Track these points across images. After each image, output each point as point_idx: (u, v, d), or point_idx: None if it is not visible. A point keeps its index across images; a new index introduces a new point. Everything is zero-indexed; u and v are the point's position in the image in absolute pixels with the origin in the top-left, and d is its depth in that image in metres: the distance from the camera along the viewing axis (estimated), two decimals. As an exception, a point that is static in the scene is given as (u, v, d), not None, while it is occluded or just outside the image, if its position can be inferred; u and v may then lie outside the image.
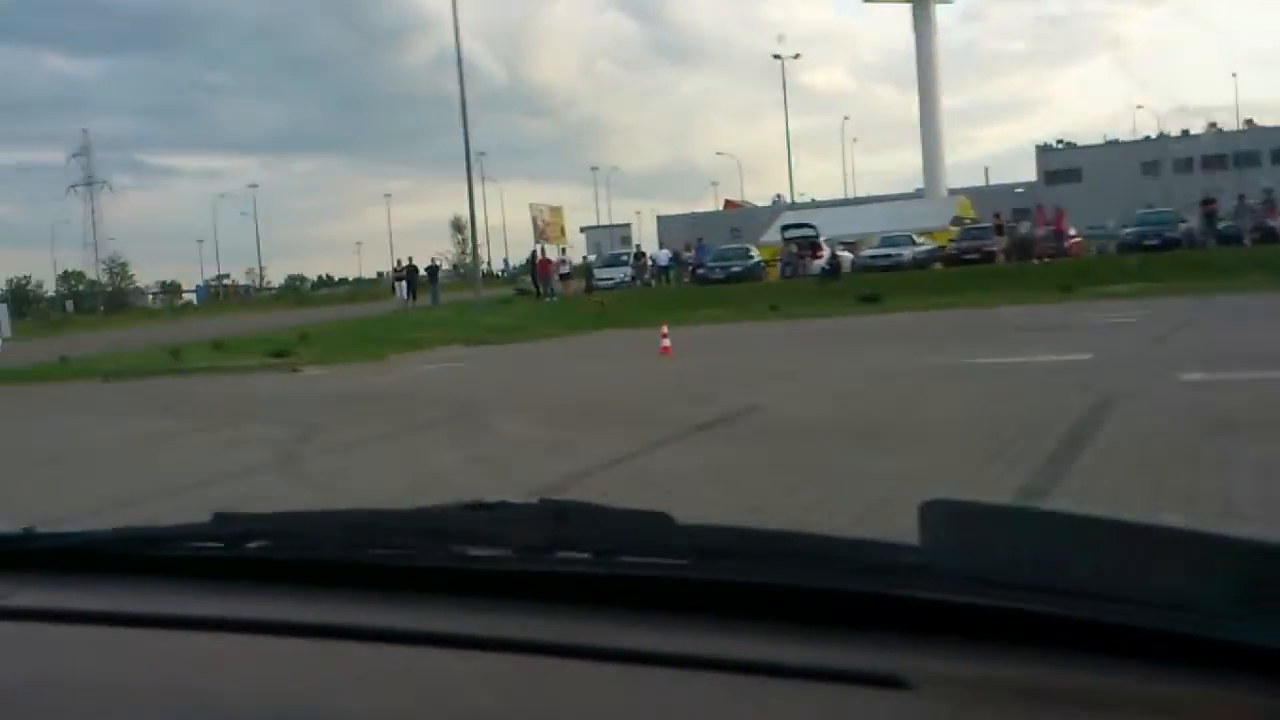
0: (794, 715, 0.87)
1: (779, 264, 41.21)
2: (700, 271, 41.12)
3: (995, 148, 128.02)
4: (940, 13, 60.32)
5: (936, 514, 1.00)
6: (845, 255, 40.21)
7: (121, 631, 1.11)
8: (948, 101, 62.23)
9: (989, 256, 37.00)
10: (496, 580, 1.12)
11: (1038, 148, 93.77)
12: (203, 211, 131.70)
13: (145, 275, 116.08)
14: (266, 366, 23.20)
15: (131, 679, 1.00)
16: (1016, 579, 0.94)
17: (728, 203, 74.91)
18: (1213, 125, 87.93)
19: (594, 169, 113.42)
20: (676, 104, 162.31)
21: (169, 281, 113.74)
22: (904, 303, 26.82)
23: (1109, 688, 0.87)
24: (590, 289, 39.46)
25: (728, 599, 1.03)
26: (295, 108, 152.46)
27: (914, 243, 40.86)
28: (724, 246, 45.24)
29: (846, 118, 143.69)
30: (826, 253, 40.00)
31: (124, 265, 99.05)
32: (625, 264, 46.18)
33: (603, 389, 15.61)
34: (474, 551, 1.16)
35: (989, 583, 0.94)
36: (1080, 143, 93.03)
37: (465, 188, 37.98)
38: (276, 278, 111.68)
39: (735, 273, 40.02)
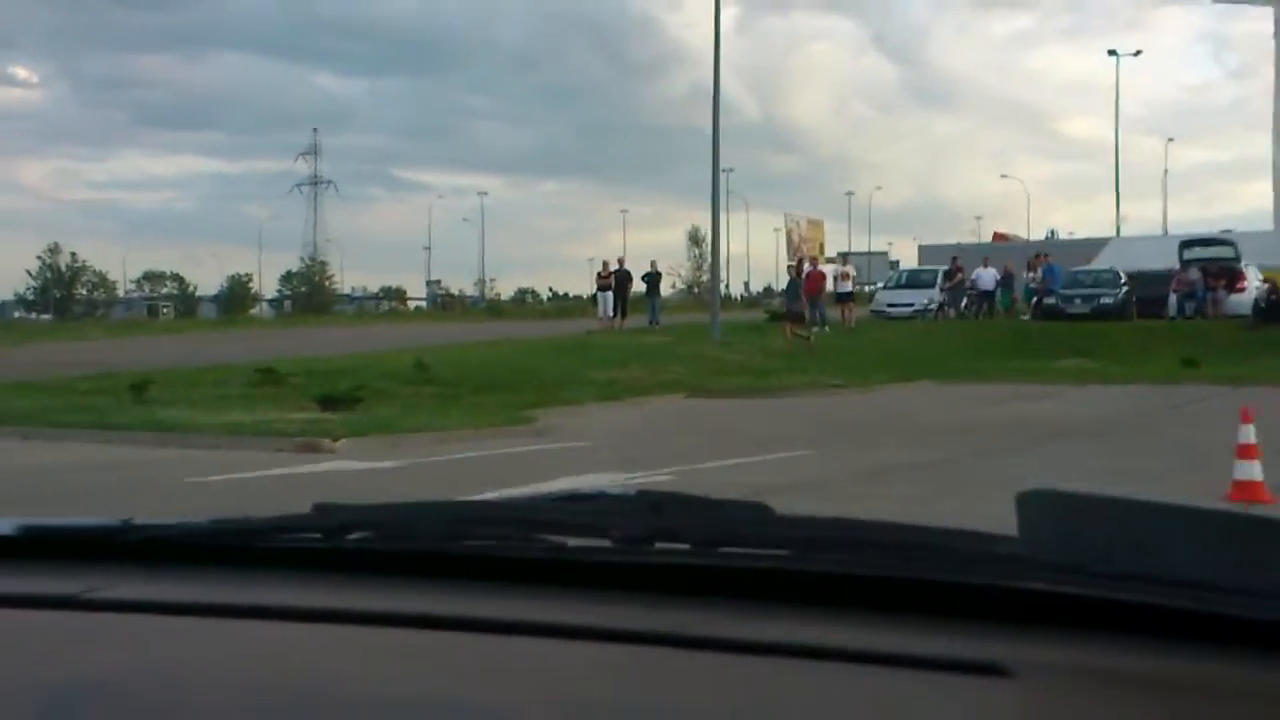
0: (897, 702, 0.86)
1: (1172, 296, 28.31)
2: (1050, 302, 28.94)
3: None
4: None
5: (1033, 505, 1.00)
6: None
7: (218, 622, 1.09)
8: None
9: None
10: (595, 571, 1.11)
11: None
12: (443, 225, 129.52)
13: (376, 281, 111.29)
14: (274, 433, 11.14)
15: (228, 670, 0.98)
16: (1114, 568, 0.94)
17: (996, 234, 62.71)
18: None
19: (849, 193, 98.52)
20: (928, 145, 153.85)
21: (394, 287, 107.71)
22: None
23: (1208, 676, 0.87)
24: (795, 318, 24.96)
25: (827, 589, 1.03)
26: (548, 132, 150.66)
27: None
28: (1083, 269, 31.55)
29: (1171, 140, 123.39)
30: (1252, 285, 27.25)
31: (323, 264, 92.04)
32: (929, 285, 32.78)
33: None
34: (573, 542, 1.14)
35: (1087, 572, 0.95)
36: None
37: (708, 215, 28.77)
38: (509, 291, 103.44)
39: (1104, 306, 27.99)
